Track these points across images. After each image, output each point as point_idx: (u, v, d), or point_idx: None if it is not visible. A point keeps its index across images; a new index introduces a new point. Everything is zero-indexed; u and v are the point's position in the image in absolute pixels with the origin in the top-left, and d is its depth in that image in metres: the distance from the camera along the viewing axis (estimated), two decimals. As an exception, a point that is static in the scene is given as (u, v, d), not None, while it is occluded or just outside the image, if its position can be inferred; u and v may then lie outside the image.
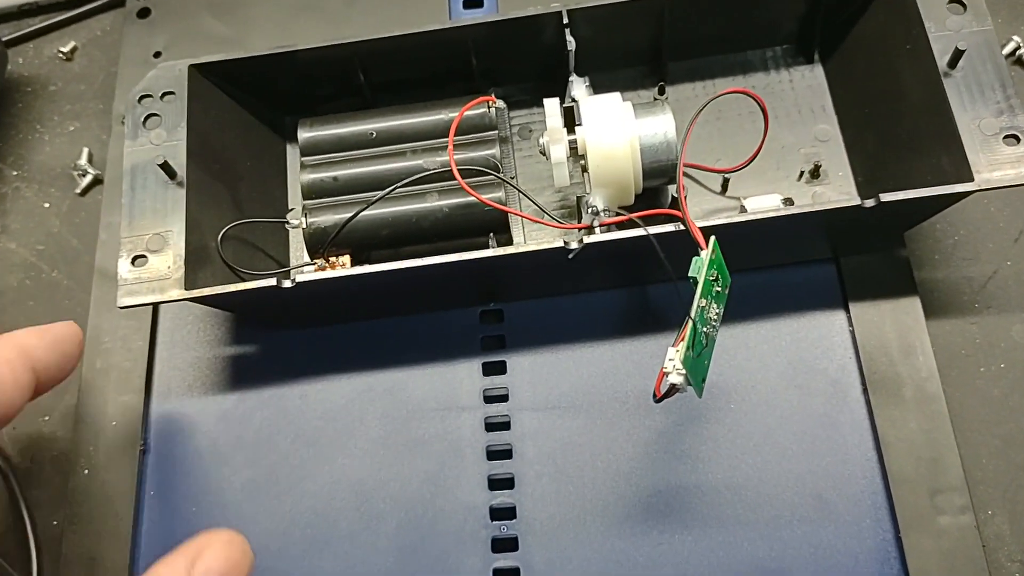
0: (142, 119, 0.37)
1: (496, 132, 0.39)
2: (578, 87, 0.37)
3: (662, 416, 0.37)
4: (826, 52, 0.41)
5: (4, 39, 0.49)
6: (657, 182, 0.37)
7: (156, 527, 0.37)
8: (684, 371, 0.29)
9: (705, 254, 0.31)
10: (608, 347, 0.38)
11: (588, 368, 0.38)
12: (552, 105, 0.36)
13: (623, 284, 0.39)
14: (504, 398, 0.38)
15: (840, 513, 0.35)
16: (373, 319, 0.40)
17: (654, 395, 0.31)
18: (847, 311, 0.38)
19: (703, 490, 0.35)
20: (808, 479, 0.35)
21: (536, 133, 0.41)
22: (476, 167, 0.37)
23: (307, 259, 0.38)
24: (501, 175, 0.37)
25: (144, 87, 0.37)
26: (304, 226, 0.37)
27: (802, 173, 0.39)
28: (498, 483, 0.36)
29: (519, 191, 0.37)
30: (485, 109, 0.39)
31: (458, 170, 0.35)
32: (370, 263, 0.37)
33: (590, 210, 0.35)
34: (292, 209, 0.41)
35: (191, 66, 0.38)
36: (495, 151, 0.38)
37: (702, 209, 0.39)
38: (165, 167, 0.35)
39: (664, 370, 0.30)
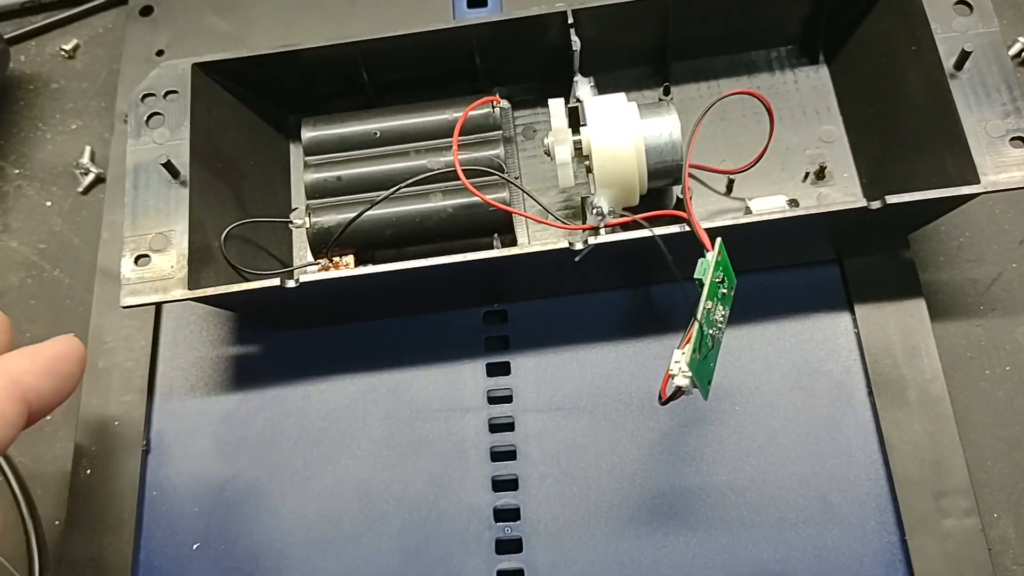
0: (145, 118, 0.37)
1: (500, 132, 0.39)
2: (583, 87, 0.37)
3: (666, 418, 0.37)
4: (831, 53, 0.41)
5: (6, 36, 0.48)
6: (662, 183, 0.37)
7: (158, 527, 0.37)
8: (690, 373, 0.29)
9: (711, 256, 0.31)
10: (612, 348, 0.38)
11: (592, 369, 0.38)
12: (557, 105, 0.36)
13: (627, 285, 0.39)
14: (508, 399, 0.38)
15: (845, 515, 0.35)
16: (376, 319, 0.40)
17: (659, 397, 0.31)
18: (852, 313, 0.38)
19: (707, 492, 0.35)
20: (813, 481, 0.35)
21: (540, 133, 0.41)
22: (480, 167, 0.37)
23: (310, 259, 0.38)
24: (505, 175, 0.37)
25: (147, 86, 0.37)
26: (307, 226, 0.37)
27: (807, 174, 0.39)
28: (502, 484, 0.36)
29: (523, 191, 0.37)
30: (489, 109, 0.39)
31: (462, 170, 0.35)
32: (373, 263, 0.37)
33: (595, 211, 0.35)
34: (295, 208, 0.41)
35: (194, 65, 0.37)
36: (499, 151, 0.38)
37: (707, 210, 0.39)
38: (168, 166, 0.35)
39: (670, 372, 0.29)
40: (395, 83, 0.41)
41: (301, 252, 0.40)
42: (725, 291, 0.31)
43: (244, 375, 0.39)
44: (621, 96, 0.36)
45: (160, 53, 0.47)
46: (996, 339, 0.38)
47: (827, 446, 0.36)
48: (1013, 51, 0.43)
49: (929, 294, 0.38)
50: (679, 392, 0.30)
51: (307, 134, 0.39)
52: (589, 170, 0.36)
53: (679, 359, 0.29)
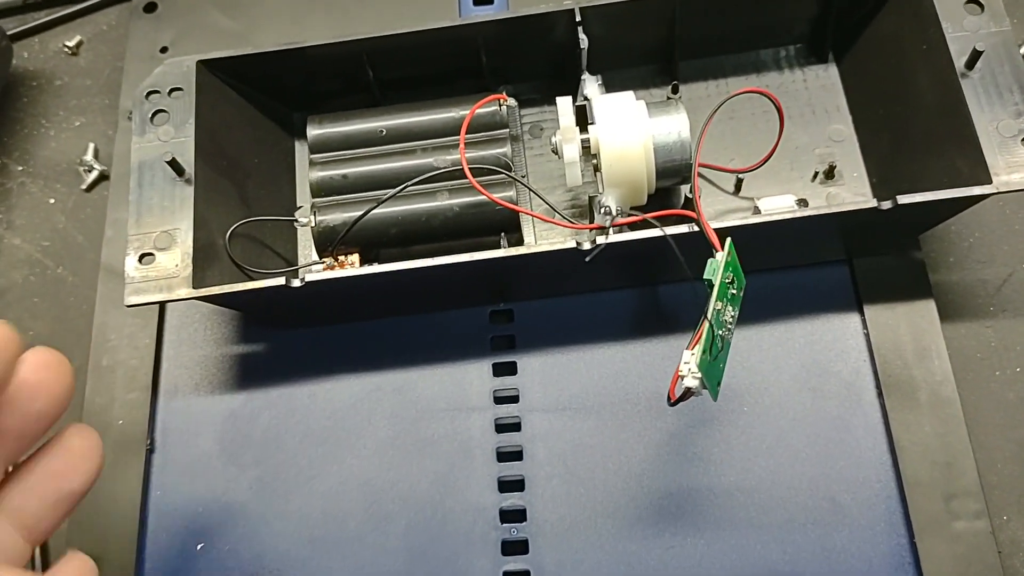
0: (150, 115, 0.36)
1: (507, 130, 0.38)
2: (590, 85, 0.37)
3: (674, 418, 0.36)
4: (840, 52, 0.41)
5: (9, 33, 0.48)
6: (670, 182, 0.36)
7: (162, 527, 0.37)
8: (700, 374, 0.29)
9: (721, 256, 0.31)
10: (619, 348, 0.38)
11: (599, 369, 0.38)
12: (565, 104, 0.36)
13: (634, 284, 0.39)
14: (514, 399, 0.37)
15: (854, 517, 0.34)
16: (382, 318, 0.39)
17: (668, 398, 0.30)
18: (861, 314, 0.37)
19: (715, 493, 0.35)
20: (822, 483, 0.35)
21: (547, 132, 0.41)
22: (487, 166, 0.37)
23: (315, 257, 0.38)
24: (512, 174, 0.37)
25: (152, 83, 0.37)
26: (313, 224, 0.37)
27: (816, 174, 0.39)
28: (508, 485, 0.36)
29: (530, 190, 0.37)
30: (496, 107, 0.38)
31: (469, 168, 0.34)
32: (379, 262, 0.36)
33: (603, 210, 0.35)
34: (300, 207, 0.41)
35: (199, 62, 0.37)
36: (506, 149, 0.38)
37: (715, 209, 0.39)
38: (173, 164, 0.35)
39: (679, 373, 0.29)
40: (400, 81, 0.41)
41: (306, 251, 0.40)
42: (735, 292, 0.31)
43: (249, 374, 0.39)
44: (629, 94, 0.36)
45: (164, 50, 0.46)
46: (1006, 340, 0.38)
47: (836, 447, 0.35)
48: (1024, 50, 0.43)
49: (939, 295, 0.38)
50: (688, 393, 0.30)
51: (313, 132, 0.39)
52: (597, 169, 0.35)
53: (689, 360, 0.29)
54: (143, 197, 0.35)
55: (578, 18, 0.37)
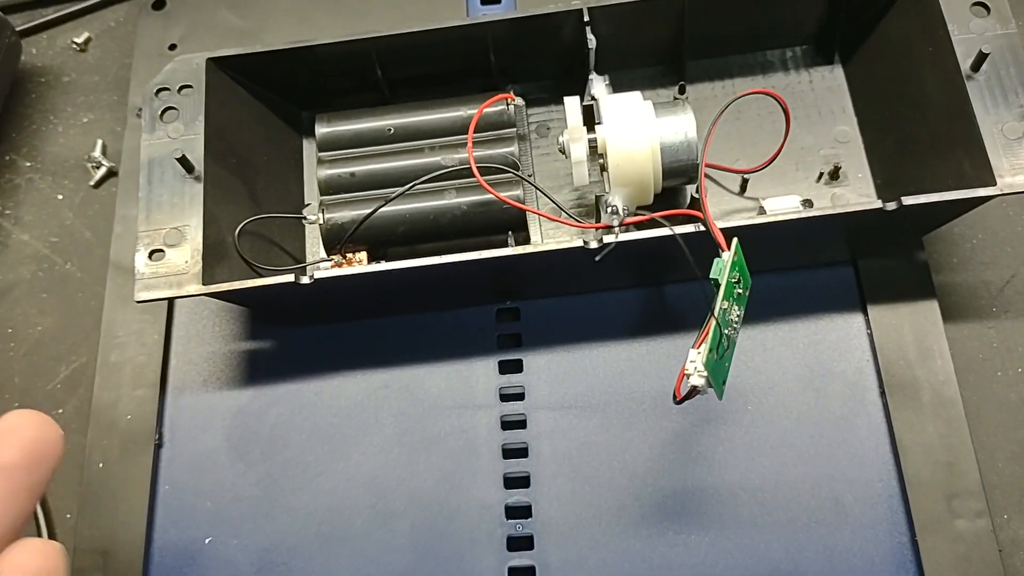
0: (159, 112, 0.37)
1: (514, 129, 0.39)
2: (598, 85, 0.37)
3: (679, 417, 0.37)
4: (846, 53, 0.41)
5: (18, 29, 0.48)
6: (676, 182, 0.37)
7: (170, 522, 0.37)
8: (706, 373, 0.29)
9: (727, 256, 0.31)
10: (625, 347, 0.38)
11: (604, 367, 0.38)
12: (572, 103, 0.36)
13: (639, 284, 0.39)
14: (520, 396, 0.38)
15: (856, 516, 0.35)
16: (389, 316, 0.40)
17: (674, 397, 0.31)
18: (865, 314, 0.38)
19: (719, 492, 0.35)
20: (824, 482, 0.35)
21: (554, 131, 0.41)
22: (494, 164, 0.37)
23: (323, 255, 0.38)
24: (519, 173, 0.37)
25: (161, 80, 0.37)
26: (321, 222, 0.37)
27: (821, 174, 0.39)
28: (514, 482, 0.36)
29: (538, 189, 0.37)
30: (504, 106, 0.38)
31: (477, 167, 0.35)
32: (386, 259, 0.37)
33: (609, 209, 0.35)
34: (308, 204, 0.41)
35: (209, 59, 0.37)
36: (513, 148, 0.38)
37: (720, 209, 0.39)
38: (183, 161, 0.35)
39: (685, 372, 0.29)
40: (409, 80, 0.41)
41: (314, 248, 0.40)
42: (741, 291, 0.31)
43: (256, 371, 0.39)
44: (637, 95, 0.36)
45: (173, 47, 0.47)
46: (1009, 341, 0.38)
47: (839, 447, 0.36)
48: (1029, 53, 0.43)
49: (942, 296, 0.38)
50: (694, 392, 0.30)
51: (321, 130, 0.39)
52: (604, 169, 0.36)
53: (695, 359, 0.29)
54: (153, 194, 0.35)
55: (586, 18, 0.37)
